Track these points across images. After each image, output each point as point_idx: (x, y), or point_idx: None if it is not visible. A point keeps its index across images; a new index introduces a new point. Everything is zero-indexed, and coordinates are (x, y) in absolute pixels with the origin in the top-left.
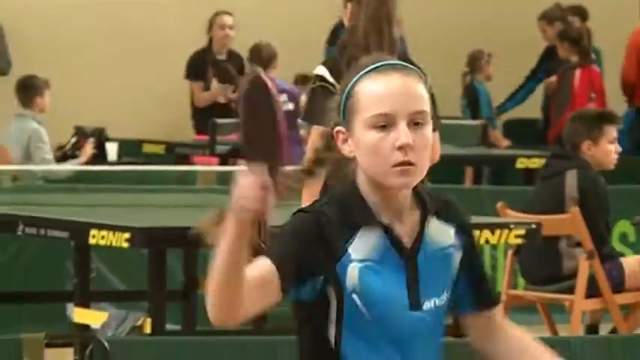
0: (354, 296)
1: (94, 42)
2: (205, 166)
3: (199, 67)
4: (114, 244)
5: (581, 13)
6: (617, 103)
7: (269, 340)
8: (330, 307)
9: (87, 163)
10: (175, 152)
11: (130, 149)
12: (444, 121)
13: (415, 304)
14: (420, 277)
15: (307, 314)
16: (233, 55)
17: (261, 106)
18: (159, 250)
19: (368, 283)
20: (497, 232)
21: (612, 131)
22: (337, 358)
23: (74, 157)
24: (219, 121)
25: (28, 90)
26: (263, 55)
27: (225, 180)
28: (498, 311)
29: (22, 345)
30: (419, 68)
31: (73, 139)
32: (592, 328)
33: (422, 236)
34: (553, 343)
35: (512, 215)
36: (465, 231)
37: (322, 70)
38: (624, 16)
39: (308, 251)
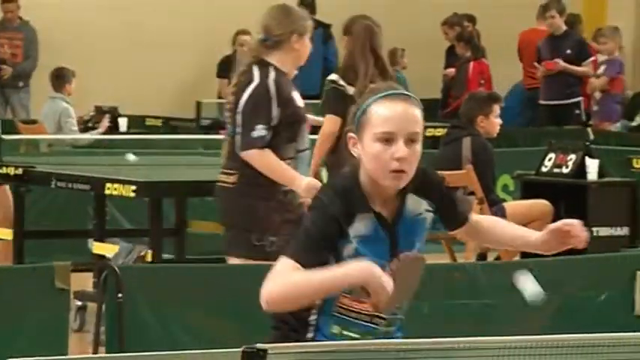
0: (349, 259)
1: (109, 40)
2: (193, 135)
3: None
4: (123, 194)
5: (472, 19)
6: (499, 87)
7: (242, 266)
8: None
9: (104, 133)
10: (170, 125)
11: (137, 123)
12: None
13: (393, 256)
14: (399, 242)
15: None
16: None
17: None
18: (157, 198)
19: (360, 253)
20: None
21: (497, 108)
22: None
23: (94, 128)
24: (204, 101)
25: (60, 78)
26: None
27: (207, 146)
28: (472, 215)
29: (53, 271)
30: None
31: (93, 115)
32: (482, 256)
33: (402, 211)
34: (453, 267)
35: None
36: (436, 194)
37: (335, 77)
38: (506, 21)
39: (330, 234)
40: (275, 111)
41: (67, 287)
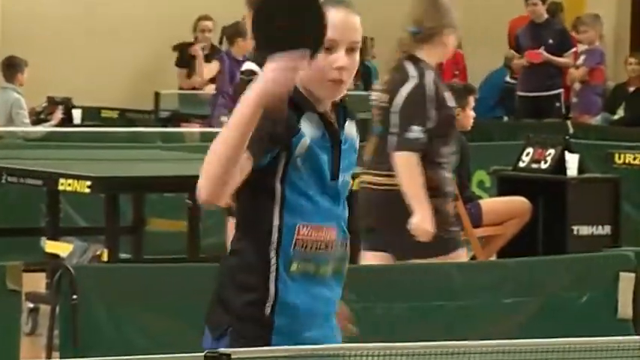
0: (298, 159)
1: (63, 28)
2: (150, 128)
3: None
4: (78, 189)
5: None
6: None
7: (203, 267)
8: (277, 168)
9: (57, 125)
10: (126, 117)
11: (91, 115)
12: None
13: (335, 176)
14: (341, 158)
15: (258, 176)
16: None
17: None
18: (113, 194)
19: (310, 153)
20: None
21: (473, 100)
22: (282, 203)
23: (47, 120)
24: (163, 92)
25: (11, 67)
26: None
27: (166, 139)
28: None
29: (4, 271)
30: None
31: (46, 106)
32: None
33: (343, 128)
34: (427, 267)
35: None
36: (358, 128)
37: (252, 65)
38: (480, 9)
39: (272, 130)
40: (431, 113)
41: (18, 288)
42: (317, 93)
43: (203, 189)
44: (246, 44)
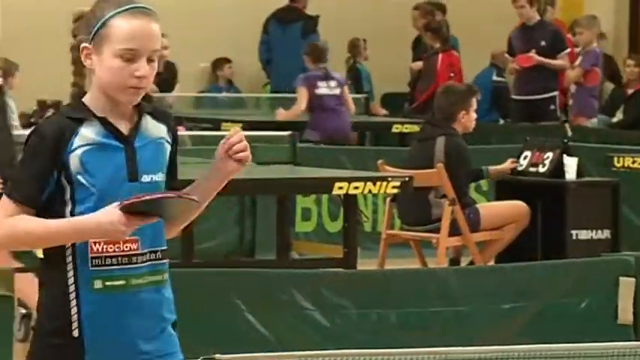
0: (79, 176)
1: (53, 30)
2: None
3: None
4: None
5: (442, 8)
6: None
7: (197, 272)
8: (64, 192)
9: None
10: None
11: None
12: None
13: (133, 177)
14: (138, 156)
15: (47, 204)
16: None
17: None
18: None
19: (89, 162)
20: (378, 183)
21: (475, 102)
22: None
23: (36, 124)
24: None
25: (2, 71)
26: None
27: None
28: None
29: None
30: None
31: (36, 110)
32: (454, 261)
33: (139, 127)
34: (423, 273)
35: (390, 170)
36: (174, 134)
37: None
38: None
39: (39, 165)
40: None
41: (10, 293)
42: (116, 97)
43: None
44: None
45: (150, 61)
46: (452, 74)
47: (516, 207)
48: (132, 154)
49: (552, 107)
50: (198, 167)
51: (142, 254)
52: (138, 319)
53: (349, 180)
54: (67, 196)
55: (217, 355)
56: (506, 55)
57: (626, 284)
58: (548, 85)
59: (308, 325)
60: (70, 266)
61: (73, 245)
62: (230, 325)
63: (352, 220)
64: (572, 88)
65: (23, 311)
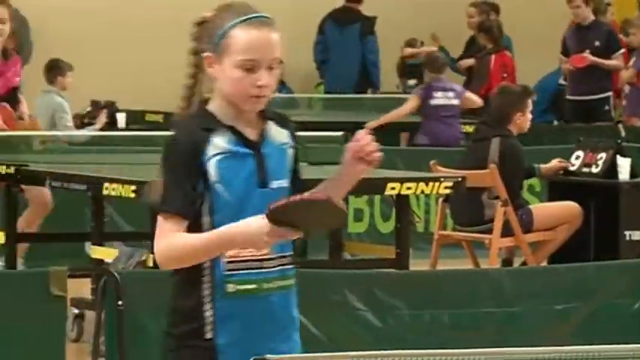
0: (217, 185)
1: (106, 32)
2: None
3: None
4: (123, 194)
5: (496, 8)
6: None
7: None
8: (205, 202)
9: (101, 129)
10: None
11: (136, 118)
12: (385, 96)
13: (263, 183)
14: (265, 163)
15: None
16: None
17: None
18: None
19: (224, 170)
20: (430, 184)
21: (530, 103)
22: (210, 230)
23: (91, 124)
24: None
25: (53, 70)
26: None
27: None
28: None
29: (48, 276)
30: None
31: (89, 110)
32: (507, 262)
33: (264, 134)
34: (476, 274)
35: (442, 171)
36: (295, 138)
37: None
38: (529, 10)
39: (185, 175)
40: None
41: (63, 294)
42: (240, 106)
43: (166, 264)
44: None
45: (270, 69)
46: (505, 74)
47: (569, 208)
48: (261, 160)
49: (607, 108)
50: None
51: (273, 259)
52: (268, 322)
53: (401, 180)
54: (207, 205)
55: (268, 355)
56: (561, 56)
57: None
58: (603, 85)
59: (360, 326)
60: (205, 271)
61: None
62: None
63: (404, 220)
64: (626, 88)
65: (76, 311)
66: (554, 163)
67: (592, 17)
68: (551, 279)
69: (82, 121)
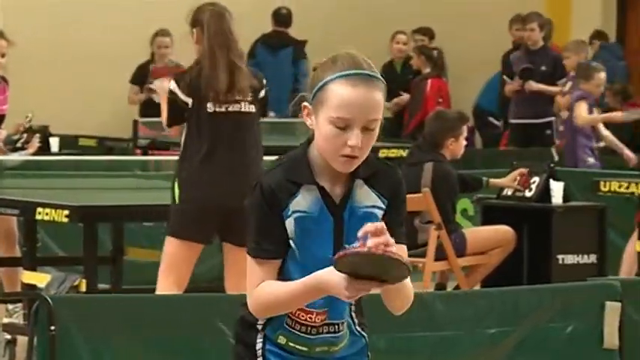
0: (291, 241)
1: (39, 53)
2: (129, 157)
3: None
4: (55, 219)
5: (430, 33)
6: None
7: (183, 297)
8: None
9: (34, 154)
10: (105, 145)
11: (69, 143)
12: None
13: (337, 249)
14: (345, 230)
15: None
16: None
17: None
18: (91, 223)
19: (300, 230)
20: None
21: (466, 129)
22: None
23: (23, 149)
24: (141, 119)
25: None
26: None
27: (145, 168)
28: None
29: None
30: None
31: (22, 134)
32: (440, 286)
33: (349, 196)
34: None
35: None
36: (390, 195)
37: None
38: (464, 34)
39: (272, 220)
40: None
41: None
42: (330, 163)
43: (261, 314)
44: None
45: (366, 129)
46: (440, 99)
47: (502, 231)
48: (340, 226)
49: (548, 132)
50: None
51: (323, 325)
52: None
53: None
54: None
55: None
56: (505, 77)
57: (613, 309)
58: (546, 109)
59: None
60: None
61: None
62: None
63: None
64: (564, 114)
65: (8, 337)
66: (506, 180)
67: (542, 42)
68: (484, 303)
69: (14, 146)
